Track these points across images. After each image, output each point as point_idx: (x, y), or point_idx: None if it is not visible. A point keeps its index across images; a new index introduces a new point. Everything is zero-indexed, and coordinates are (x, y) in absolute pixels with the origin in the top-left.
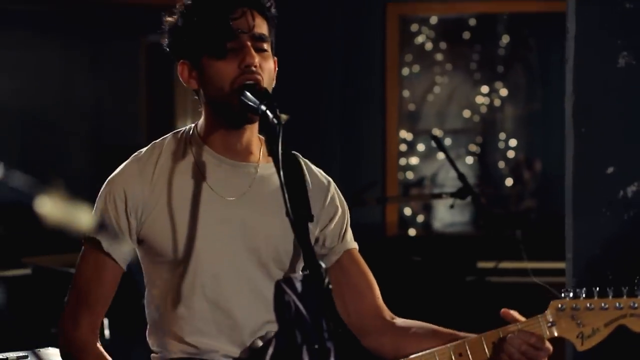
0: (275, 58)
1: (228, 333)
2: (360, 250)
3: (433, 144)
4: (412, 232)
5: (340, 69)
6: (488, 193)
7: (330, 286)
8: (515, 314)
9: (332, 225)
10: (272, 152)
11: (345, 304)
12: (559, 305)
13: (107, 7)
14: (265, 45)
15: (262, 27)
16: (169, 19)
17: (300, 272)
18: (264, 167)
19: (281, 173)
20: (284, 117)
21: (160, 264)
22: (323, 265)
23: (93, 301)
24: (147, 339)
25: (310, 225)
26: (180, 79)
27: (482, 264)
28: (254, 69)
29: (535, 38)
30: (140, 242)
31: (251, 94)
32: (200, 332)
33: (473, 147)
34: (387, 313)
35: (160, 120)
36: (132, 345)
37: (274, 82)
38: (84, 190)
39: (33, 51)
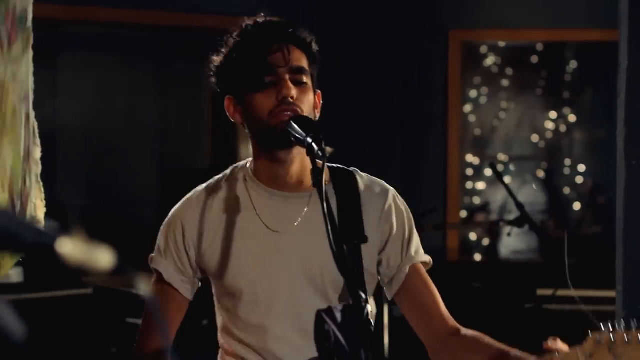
0: (319, 92)
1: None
2: None
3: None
4: (477, 257)
5: (401, 94)
6: (556, 219)
7: (370, 317)
8: (559, 343)
9: (390, 241)
10: (316, 183)
11: (416, 323)
12: (597, 338)
13: (173, 31)
14: (305, 78)
15: (300, 60)
16: (215, 58)
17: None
18: (317, 196)
19: (324, 205)
20: (328, 149)
21: (221, 294)
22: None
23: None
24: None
25: (369, 247)
26: (227, 114)
27: (541, 292)
28: (290, 100)
29: (604, 65)
30: (202, 272)
31: (298, 125)
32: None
33: (540, 173)
34: (451, 326)
35: (225, 143)
36: None
37: (318, 114)
38: (148, 211)
39: (99, 73)
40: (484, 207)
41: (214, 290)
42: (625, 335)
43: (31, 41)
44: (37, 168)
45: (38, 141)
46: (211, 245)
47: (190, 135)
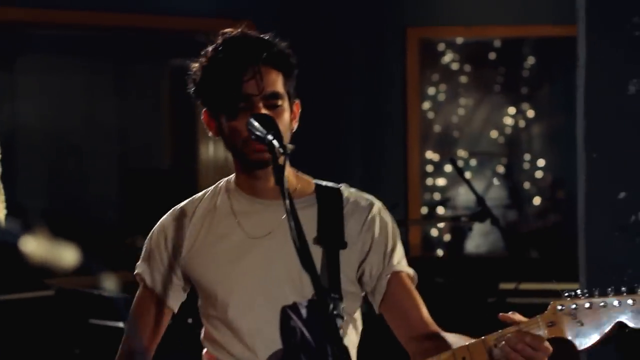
0: (298, 101)
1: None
2: None
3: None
4: (439, 253)
5: (360, 92)
6: (516, 214)
7: (336, 312)
8: (515, 315)
9: (372, 251)
10: (278, 181)
11: (397, 329)
12: (559, 306)
13: (132, 32)
14: (279, 102)
15: (275, 83)
16: (194, 65)
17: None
18: (296, 202)
19: (287, 202)
20: (290, 147)
21: (203, 301)
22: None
23: (141, 334)
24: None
25: (349, 254)
26: (204, 124)
27: (504, 286)
28: None
29: (561, 60)
30: (185, 279)
31: (259, 123)
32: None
33: (500, 168)
34: (432, 331)
35: (185, 143)
36: None
37: (296, 124)
38: (109, 212)
39: (58, 75)
40: (445, 202)
41: (199, 302)
42: (586, 301)
43: None
44: None
45: None
46: (191, 251)
47: (151, 135)
